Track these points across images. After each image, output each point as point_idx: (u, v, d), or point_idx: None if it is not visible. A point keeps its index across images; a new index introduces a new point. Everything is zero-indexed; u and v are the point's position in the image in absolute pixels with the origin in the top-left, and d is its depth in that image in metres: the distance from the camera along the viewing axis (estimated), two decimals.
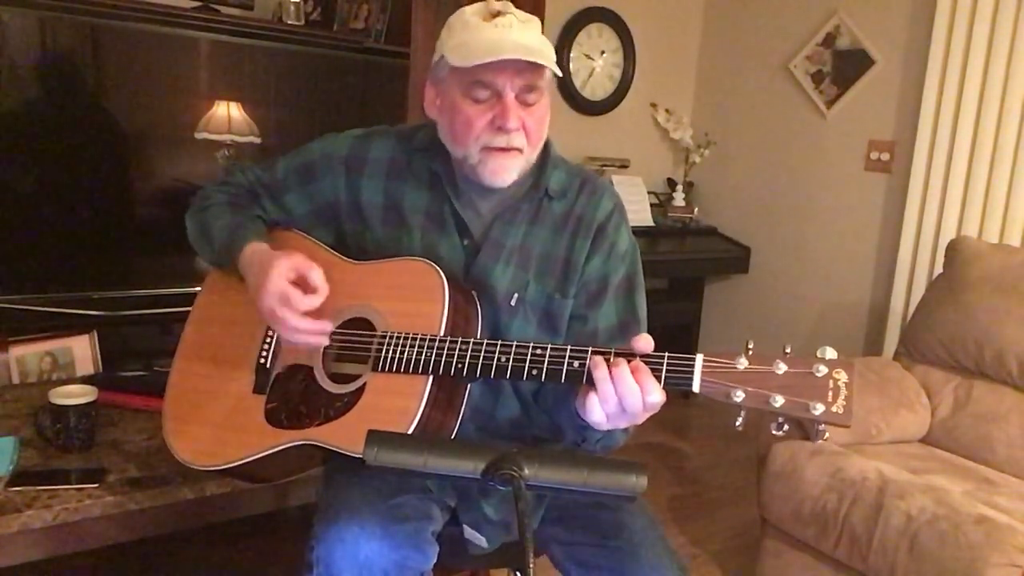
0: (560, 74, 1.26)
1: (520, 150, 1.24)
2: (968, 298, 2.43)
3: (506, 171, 1.25)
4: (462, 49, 1.20)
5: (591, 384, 1.06)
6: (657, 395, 1.03)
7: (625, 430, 1.24)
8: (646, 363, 1.05)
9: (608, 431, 1.19)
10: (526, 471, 0.85)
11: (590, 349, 1.09)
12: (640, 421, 1.08)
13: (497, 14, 1.22)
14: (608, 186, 1.41)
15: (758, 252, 3.90)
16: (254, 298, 1.24)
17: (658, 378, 1.04)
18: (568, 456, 0.90)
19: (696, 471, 3.22)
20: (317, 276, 1.23)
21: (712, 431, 3.57)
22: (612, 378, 1.04)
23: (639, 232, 3.81)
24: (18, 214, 2.29)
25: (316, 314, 1.22)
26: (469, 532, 1.34)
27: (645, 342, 1.07)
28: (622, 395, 1.04)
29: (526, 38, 1.21)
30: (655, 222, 3.79)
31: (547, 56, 1.21)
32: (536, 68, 1.22)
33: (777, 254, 3.83)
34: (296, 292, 1.21)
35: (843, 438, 2.23)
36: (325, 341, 1.24)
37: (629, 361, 1.05)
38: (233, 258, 1.32)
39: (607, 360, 1.06)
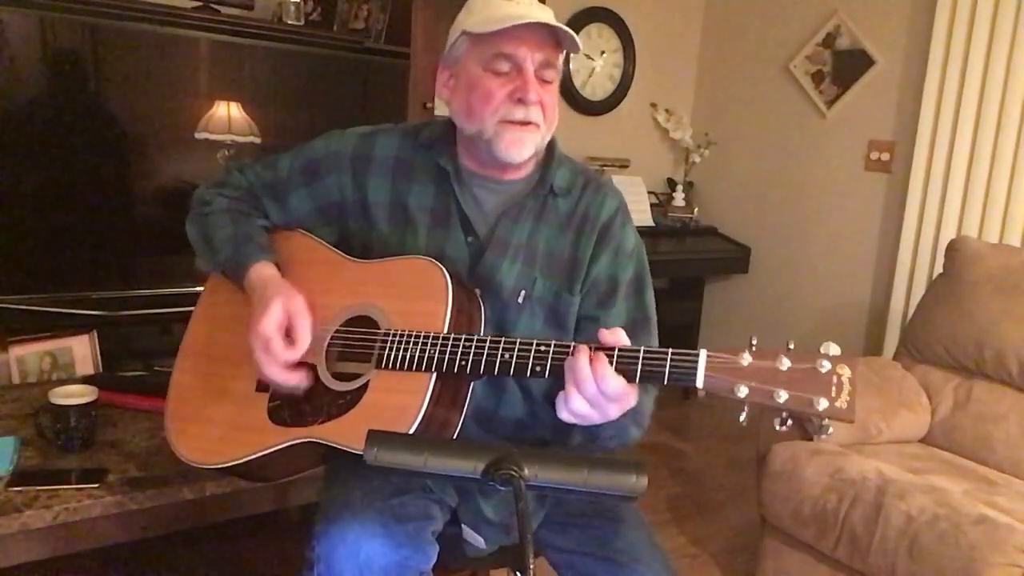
0: (580, 48, 1.27)
1: (537, 125, 1.25)
2: (968, 298, 2.44)
3: (522, 144, 1.25)
4: (486, 21, 1.23)
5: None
6: (612, 382, 1.04)
7: (637, 424, 1.25)
8: (651, 358, 1.05)
9: (620, 428, 1.20)
10: (526, 471, 0.85)
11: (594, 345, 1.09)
12: (612, 415, 1.07)
13: None
14: (612, 185, 1.41)
15: (758, 252, 3.90)
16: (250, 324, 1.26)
17: (662, 374, 1.04)
18: (568, 456, 0.90)
19: (696, 471, 3.22)
20: (303, 328, 1.24)
21: (712, 431, 3.57)
22: (572, 367, 1.06)
23: (639, 232, 3.80)
24: (18, 214, 2.29)
25: (297, 366, 1.24)
26: (468, 532, 1.34)
27: (613, 333, 1.08)
28: (578, 382, 1.05)
29: (547, 16, 1.23)
30: (655, 222, 3.79)
31: (568, 30, 1.23)
32: (554, 46, 1.25)
33: (777, 254, 3.83)
34: (278, 342, 1.22)
35: (843, 438, 2.23)
36: (302, 386, 1.25)
37: (592, 351, 1.06)
38: (238, 275, 1.33)
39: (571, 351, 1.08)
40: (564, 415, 1.08)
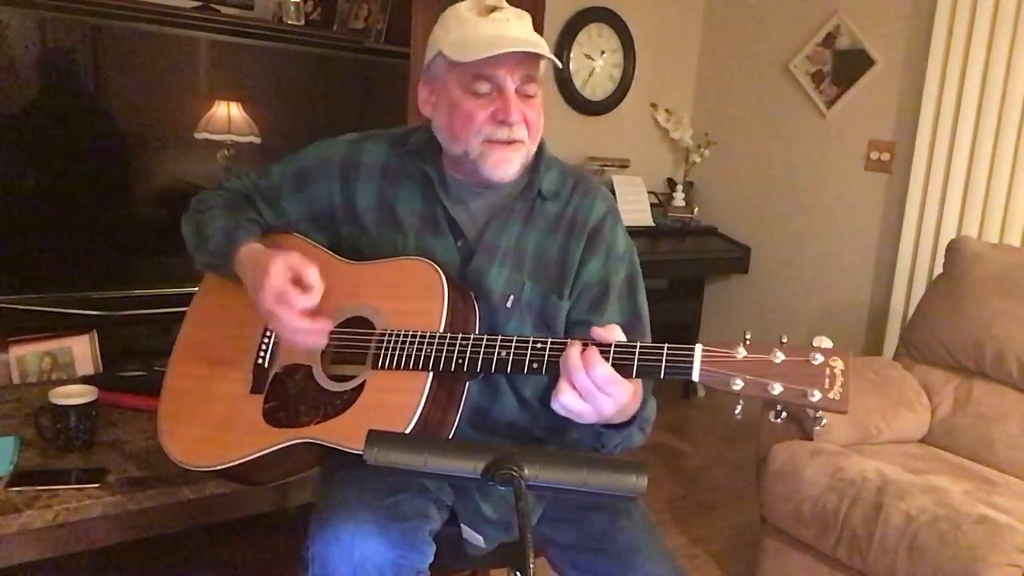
0: (560, 64, 1.27)
1: (522, 142, 1.25)
2: (968, 298, 2.44)
3: (508, 163, 1.25)
4: (461, 45, 1.22)
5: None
6: (599, 369, 1.04)
7: (642, 430, 1.25)
8: (647, 353, 1.06)
9: (626, 436, 1.21)
10: (526, 471, 0.85)
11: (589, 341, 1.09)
12: (605, 409, 1.06)
13: (492, 9, 1.23)
14: (601, 187, 1.41)
15: (758, 252, 3.90)
16: (252, 298, 1.24)
17: (658, 368, 1.05)
18: (568, 456, 0.90)
19: (696, 471, 3.22)
20: (312, 274, 1.22)
21: (712, 431, 3.57)
22: (563, 360, 1.06)
23: (639, 232, 3.77)
24: (18, 214, 2.29)
25: (314, 313, 1.22)
26: (467, 532, 1.33)
27: (607, 330, 1.08)
28: (568, 372, 1.05)
29: (522, 32, 1.23)
30: (655, 222, 3.79)
31: (546, 48, 1.23)
32: (533, 59, 1.23)
33: (777, 254, 3.83)
34: (294, 290, 1.20)
35: (843, 438, 2.24)
36: (324, 341, 1.23)
37: (584, 346, 1.06)
38: (229, 259, 1.32)
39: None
40: (555, 405, 1.08)
